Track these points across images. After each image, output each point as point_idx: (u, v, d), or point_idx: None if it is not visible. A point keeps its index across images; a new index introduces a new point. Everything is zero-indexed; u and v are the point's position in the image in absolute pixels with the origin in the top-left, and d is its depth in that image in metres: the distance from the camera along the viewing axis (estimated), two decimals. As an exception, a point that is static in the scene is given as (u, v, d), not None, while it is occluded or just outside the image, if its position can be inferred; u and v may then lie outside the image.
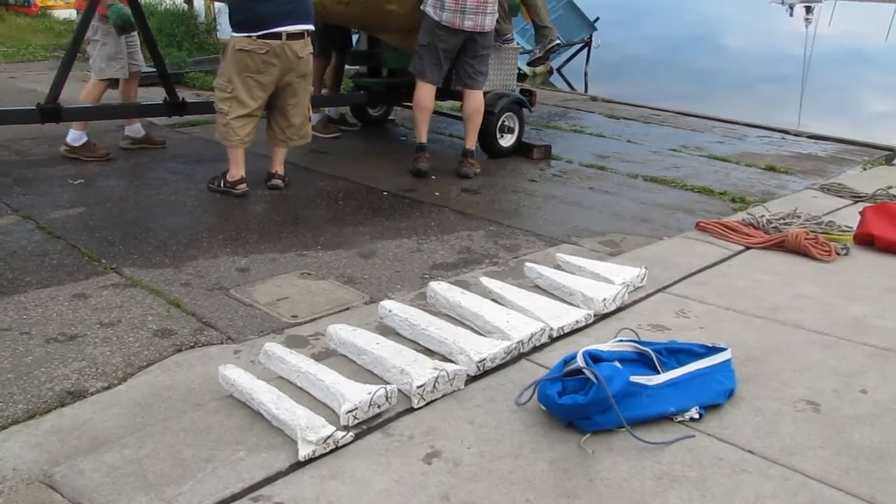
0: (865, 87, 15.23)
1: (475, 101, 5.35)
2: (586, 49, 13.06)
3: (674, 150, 6.57)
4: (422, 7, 5.15)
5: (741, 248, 3.89)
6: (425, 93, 5.31)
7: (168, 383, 2.58)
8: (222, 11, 9.57)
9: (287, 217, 4.37)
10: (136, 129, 5.67)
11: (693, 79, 13.86)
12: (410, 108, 6.96)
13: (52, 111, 4.89)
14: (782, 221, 4.13)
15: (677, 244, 3.94)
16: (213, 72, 8.14)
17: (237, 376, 2.33)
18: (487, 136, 5.78)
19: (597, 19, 12.93)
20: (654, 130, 7.32)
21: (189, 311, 3.14)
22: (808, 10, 38.65)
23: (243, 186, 4.66)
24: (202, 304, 3.20)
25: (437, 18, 5.04)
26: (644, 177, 5.61)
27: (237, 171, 4.66)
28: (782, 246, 3.85)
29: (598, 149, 6.46)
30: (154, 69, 5.52)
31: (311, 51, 4.66)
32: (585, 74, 13.11)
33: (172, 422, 2.20)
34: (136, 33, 5.38)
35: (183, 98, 5.40)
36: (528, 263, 3.42)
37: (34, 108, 4.91)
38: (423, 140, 5.38)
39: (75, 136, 5.37)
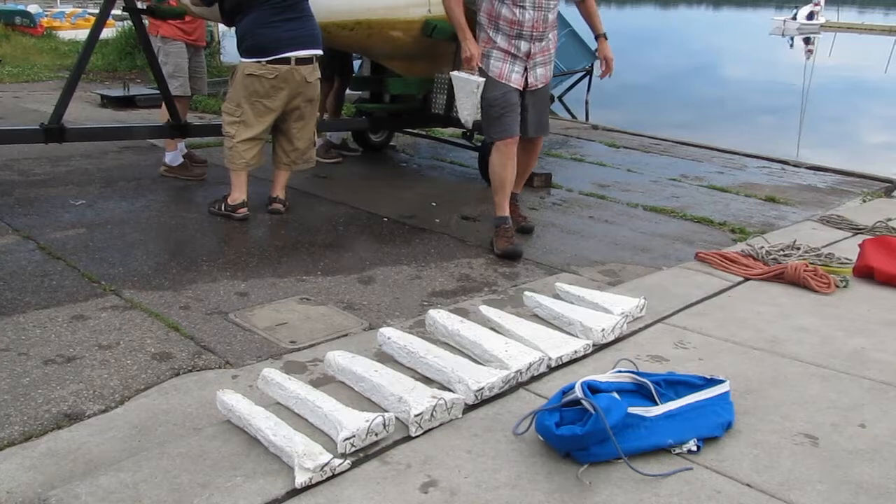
0: (865, 119, 15.33)
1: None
2: (587, 77, 13.12)
3: (674, 179, 6.60)
4: None
5: (740, 279, 3.90)
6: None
7: (165, 407, 2.58)
8: (227, 35, 9.69)
9: (287, 242, 4.38)
10: (172, 156, 5.66)
11: (693, 108, 13.94)
12: (412, 134, 7.08)
13: (55, 131, 4.92)
14: (782, 253, 4.14)
15: (676, 274, 3.95)
16: (217, 95, 8.20)
17: (235, 402, 2.33)
18: (487, 163, 5.81)
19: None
20: (654, 160, 7.36)
21: (188, 334, 3.14)
22: (808, 41, 39.03)
23: (244, 210, 4.69)
24: (201, 328, 3.20)
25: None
26: (644, 206, 5.63)
27: (239, 194, 4.69)
28: (782, 278, 3.86)
29: (598, 178, 6.49)
30: (157, 90, 5.58)
31: (319, 76, 4.71)
32: (586, 103, 13.17)
33: (169, 446, 2.19)
34: (202, 58, 5.68)
35: (186, 120, 5.43)
36: (527, 292, 3.43)
37: (37, 127, 4.94)
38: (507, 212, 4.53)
39: (172, 156, 5.58)
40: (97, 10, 5.32)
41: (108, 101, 8.64)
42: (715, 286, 3.78)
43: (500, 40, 4.22)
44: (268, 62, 4.44)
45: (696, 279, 3.87)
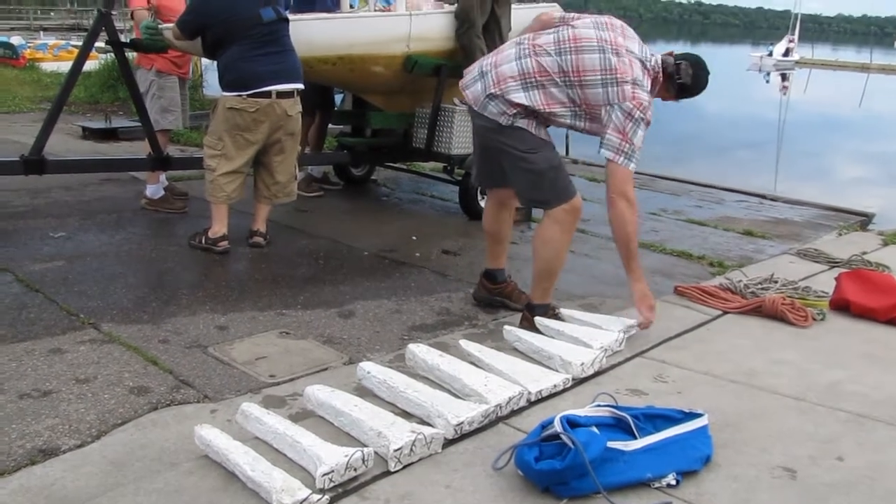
0: (840, 153, 15.60)
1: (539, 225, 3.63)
2: None
3: (652, 213, 6.66)
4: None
5: (719, 312, 3.94)
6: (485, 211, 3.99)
7: (142, 442, 2.55)
8: (209, 69, 9.71)
9: (267, 275, 4.38)
10: (154, 189, 5.63)
11: (671, 143, 14.10)
12: (393, 168, 7.11)
13: (35, 163, 4.89)
14: (759, 286, 4.18)
15: (656, 308, 3.98)
16: (199, 127, 8.21)
17: (213, 437, 2.32)
18: (468, 197, 5.86)
19: None
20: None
21: (166, 368, 3.12)
22: (784, 77, 39.72)
23: (225, 244, 4.68)
24: (180, 362, 3.18)
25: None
26: (623, 239, 5.65)
27: (220, 227, 4.68)
28: (759, 311, 3.90)
29: (578, 211, 6.51)
30: (139, 123, 5.58)
31: (301, 109, 4.74)
32: (567, 137, 13.30)
33: (145, 482, 2.17)
34: (186, 91, 5.77)
35: (168, 154, 5.42)
36: (507, 326, 3.44)
37: (17, 159, 4.91)
38: (489, 265, 4.04)
39: (153, 189, 5.57)
40: (80, 43, 5.34)
41: (90, 133, 8.61)
42: (694, 319, 3.82)
43: None
44: (249, 96, 4.46)
45: (675, 313, 3.90)
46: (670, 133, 15.98)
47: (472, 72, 3.60)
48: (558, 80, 3.37)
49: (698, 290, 4.17)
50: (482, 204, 5.97)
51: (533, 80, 3.39)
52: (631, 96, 3.30)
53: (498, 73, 3.44)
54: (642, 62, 3.41)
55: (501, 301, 4.00)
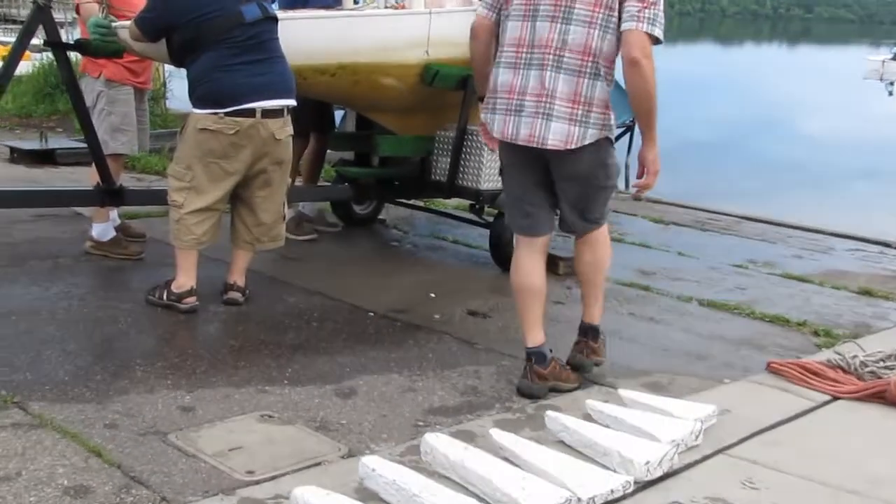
0: None
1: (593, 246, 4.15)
2: (628, 135, 13.18)
3: (738, 266, 6.65)
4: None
5: (827, 397, 3.92)
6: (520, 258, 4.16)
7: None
8: (175, 75, 9.86)
9: (246, 341, 4.40)
10: (102, 229, 5.66)
11: (764, 173, 14.05)
12: (406, 205, 7.14)
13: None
14: (882, 364, 4.15)
15: (743, 390, 3.98)
16: (160, 150, 8.31)
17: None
18: (501, 244, 5.86)
19: None
20: (712, 240, 7.42)
21: (113, 461, 3.13)
22: (914, 87, 39.52)
23: (192, 300, 4.71)
24: (131, 454, 3.20)
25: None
26: (700, 300, 5.67)
27: (186, 279, 4.71)
28: (882, 397, 3.87)
29: (641, 262, 6.53)
30: (84, 143, 5.61)
31: (291, 132, 4.79)
32: (626, 167, 13.26)
33: None
34: (146, 105, 5.76)
35: (121, 185, 5.47)
36: (550, 412, 3.45)
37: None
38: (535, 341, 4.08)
39: (101, 228, 5.58)
40: (9, 39, 5.35)
41: (20, 156, 8.69)
42: (793, 406, 3.80)
43: None
44: (227, 114, 4.50)
45: (767, 397, 3.89)
46: (762, 161, 15.96)
47: (517, 108, 3.85)
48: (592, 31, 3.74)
49: (799, 367, 4.15)
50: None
51: (587, 65, 3.75)
52: None
53: (558, 92, 3.76)
54: None
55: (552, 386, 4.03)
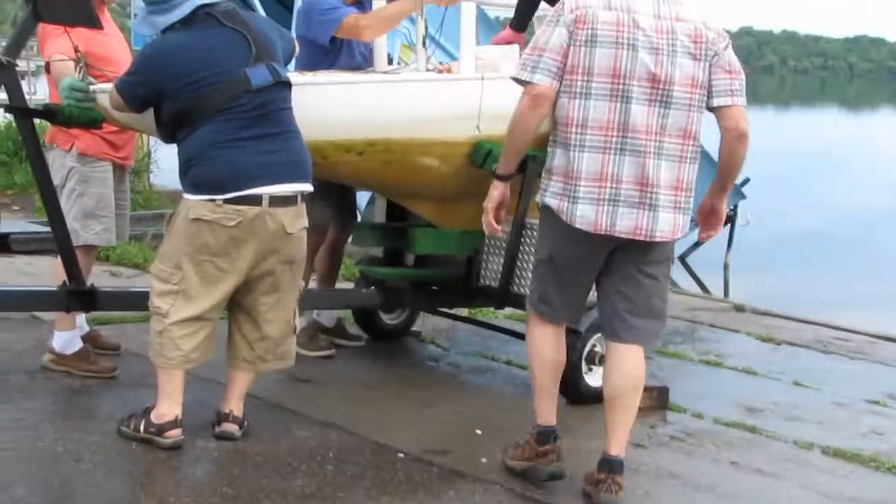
0: None
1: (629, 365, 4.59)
2: (728, 227, 13.08)
3: (873, 402, 6.57)
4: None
5: None
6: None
7: None
8: (159, 146, 9.94)
9: (243, 490, 4.31)
10: (66, 339, 5.63)
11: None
12: (447, 315, 7.07)
13: None
14: None
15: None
16: (141, 237, 8.34)
17: None
18: (568, 367, 5.72)
19: (746, 181, 12.70)
20: (838, 366, 7.34)
21: None
22: None
23: (176, 433, 4.64)
24: None
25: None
26: (822, 448, 5.55)
27: (169, 407, 4.65)
28: None
29: (745, 395, 6.47)
30: (47, 228, 5.60)
31: (307, 223, 4.78)
32: (726, 267, 13.22)
33: None
34: (127, 184, 5.86)
35: (92, 284, 5.46)
36: None
37: None
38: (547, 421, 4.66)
39: (65, 338, 5.54)
40: None
41: (-31, 242, 8.81)
42: None
43: None
44: (226, 201, 4.48)
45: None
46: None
47: (611, 197, 4.28)
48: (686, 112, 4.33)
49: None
50: (588, 379, 5.88)
51: (683, 148, 4.35)
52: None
53: (662, 181, 4.27)
54: None
55: None
